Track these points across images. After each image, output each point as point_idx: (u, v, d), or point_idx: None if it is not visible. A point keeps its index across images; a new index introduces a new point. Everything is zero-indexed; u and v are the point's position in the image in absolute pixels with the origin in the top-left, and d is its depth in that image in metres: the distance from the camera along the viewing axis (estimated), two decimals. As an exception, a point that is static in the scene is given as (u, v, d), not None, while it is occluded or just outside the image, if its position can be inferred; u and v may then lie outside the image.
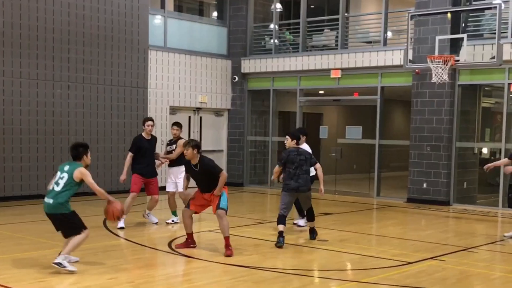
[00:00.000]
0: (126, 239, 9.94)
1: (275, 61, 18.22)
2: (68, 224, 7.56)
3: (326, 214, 13.61)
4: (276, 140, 19.00)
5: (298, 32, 18.16)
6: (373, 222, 12.52)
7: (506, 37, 13.98)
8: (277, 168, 10.12)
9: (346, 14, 17.56)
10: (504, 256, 9.59)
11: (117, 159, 16.11)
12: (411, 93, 15.43)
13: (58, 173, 7.72)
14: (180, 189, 10.97)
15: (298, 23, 18.19)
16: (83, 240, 7.67)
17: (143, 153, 11.14)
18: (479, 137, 15.66)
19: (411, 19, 14.21)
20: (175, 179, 11.36)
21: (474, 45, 14.16)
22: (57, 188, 7.56)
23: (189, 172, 9.26)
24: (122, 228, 10.68)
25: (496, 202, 14.61)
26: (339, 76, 16.89)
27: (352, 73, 16.82)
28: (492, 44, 13.37)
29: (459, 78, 14.89)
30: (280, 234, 9.57)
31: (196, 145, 9.00)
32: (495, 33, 13.21)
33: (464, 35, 13.40)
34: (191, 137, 18.26)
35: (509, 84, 14.38)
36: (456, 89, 14.92)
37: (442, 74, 12.86)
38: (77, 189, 7.67)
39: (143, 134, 11.36)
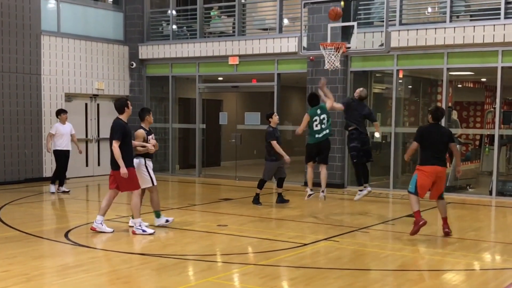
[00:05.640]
0: (21, 231, 9.68)
1: (173, 47, 18.14)
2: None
3: (226, 199, 13.78)
4: (177, 127, 18.98)
5: (195, 18, 18.14)
6: (271, 206, 12.80)
7: (394, 25, 14.62)
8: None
9: (242, 0, 17.71)
10: (394, 235, 10.07)
11: (10, 149, 15.60)
12: (306, 79, 15.83)
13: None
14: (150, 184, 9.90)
15: (195, 9, 18.16)
16: None
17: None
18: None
19: (304, 7, 14.48)
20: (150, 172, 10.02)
21: (364, 32, 14.68)
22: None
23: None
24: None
25: (388, 184, 15.30)
26: (237, 62, 17.07)
27: (250, 60, 17.03)
28: (381, 31, 13.89)
29: (351, 64, 15.44)
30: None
31: None
32: (383, 21, 13.73)
33: (355, 23, 13.83)
34: (89, 125, 17.96)
35: (397, 70, 15.07)
36: (349, 76, 15.45)
37: (334, 61, 13.21)
38: None
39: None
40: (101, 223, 9.65)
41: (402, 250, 8.82)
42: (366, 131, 12.28)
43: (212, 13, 18.33)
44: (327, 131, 11.77)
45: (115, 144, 9.29)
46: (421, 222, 9.40)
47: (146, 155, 9.94)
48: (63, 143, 14.12)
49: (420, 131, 9.75)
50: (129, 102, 9.70)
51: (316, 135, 11.73)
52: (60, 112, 14.39)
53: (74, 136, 14.41)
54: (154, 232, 9.50)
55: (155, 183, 10.00)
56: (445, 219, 9.72)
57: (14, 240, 9.06)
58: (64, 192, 14.27)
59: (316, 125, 11.72)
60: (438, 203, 9.73)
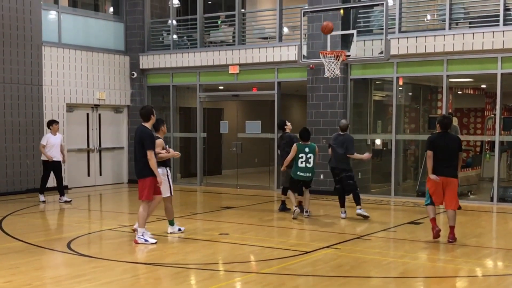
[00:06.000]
0: (23, 241, 9.70)
1: (173, 56, 18.20)
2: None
3: (228, 208, 13.80)
4: (178, 136, 19.03)
5: (196, 28, 18.22)
6: (273, 214, 12.81)
7: (394, 32, 14.66)
8: None
9: (242, 10, 17.79)
10: (396, 242, 10.08)
11: (12, 159, 15.63)
12: (306, 87, 15.88)
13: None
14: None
15: (195, 19, 18.25)
16: None
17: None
18: (371, 129, 16.33)
19: (304, 16, 14.56)
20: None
21: (364, 40, 14.75)
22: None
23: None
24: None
25: (389, 191, 15.31)
26: (237, 71, 17.13)
27: (250, 69, 17.09)
28: (381, 39, 13.93)
29: (351, 72, 15.48)
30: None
31: None
32: (383, 29, 13.79)
33: (354, 31, 13.88)
34: (90, 135, 18.02)
35: (397, 77, 15.10)
36: (349, 83, 15.49)
37: (334, 69, 13.26)
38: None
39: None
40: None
41: (403, 257, 8.83)
42: (347, 166, 12.05)
43: (219, 22, 18.42)
44: (310, 174, 11.89)
45: (151, 154, 9.39)
46: (435, 229, 9.59)
47: (167, 164, 10.15)
48: (53, 154, 14.21)
49: (430, 140, 9.78)
50: (154, 110, 9.87)
51: (299, 173, 11.83)
52: (51, 123, 14.47)
53: (63, 146, 14.59)
54: (157, 241, 9.52)
55: (172, 193, 10.17)
56: (452, 228, 9.72)
57: (16, 250, 9.08)
58: (66, 202, 14.32)
59: (301, 162, 11.80)
60: (448, 211, 9.73)
